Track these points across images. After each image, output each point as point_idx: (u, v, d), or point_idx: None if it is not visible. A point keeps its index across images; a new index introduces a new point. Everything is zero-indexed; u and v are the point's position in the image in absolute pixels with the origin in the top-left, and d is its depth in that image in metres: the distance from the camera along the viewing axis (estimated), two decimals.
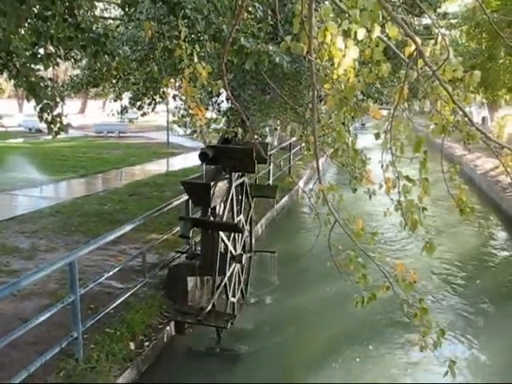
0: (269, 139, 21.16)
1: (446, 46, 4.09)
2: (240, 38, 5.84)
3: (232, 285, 9.13)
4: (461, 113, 3.48)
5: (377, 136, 3.97)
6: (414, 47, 4.10)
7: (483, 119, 38.39)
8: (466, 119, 3.38)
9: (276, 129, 19.34)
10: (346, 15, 3.70)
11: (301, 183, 19.84)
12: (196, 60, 5.82)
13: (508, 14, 13.08)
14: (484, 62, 24.43)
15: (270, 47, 6.40)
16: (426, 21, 20.71)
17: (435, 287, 11.51)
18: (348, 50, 3.78)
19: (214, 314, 8.29)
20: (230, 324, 8.26)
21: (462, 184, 4.90)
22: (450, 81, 3.79)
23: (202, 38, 6.27)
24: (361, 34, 3.66)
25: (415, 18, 19.06)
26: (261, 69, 6.64)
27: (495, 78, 24.21)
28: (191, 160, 24.57)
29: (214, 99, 13.62)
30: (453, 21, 25.44)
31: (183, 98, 7.39)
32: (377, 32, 3.74)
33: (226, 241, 8.74)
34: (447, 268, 12.64)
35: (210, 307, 8.25)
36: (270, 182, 17.43)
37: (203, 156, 8.62)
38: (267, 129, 17.37)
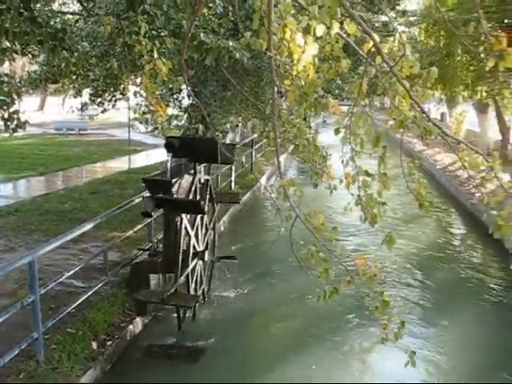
0: (230, 136, 21.14)
1: (403, 43, 4.16)
2: (200, 33, 5.82)
3: (194, 281, 9.10)
4: (418, 108, 3.54)
5: (336, 131, 4.01)
6: (372, 44, 4.16)
7: (442, 115, 39.05)
8: (424, 115, 3.43)
9: (237, 125, 19.34)
10: (306, 12, 3.72)
11: (263, 179, 19.90)
12: (156, 56, 5.77)
13: (464, 12, 13.29)
14: (442, 59, 24.78)
15: (230, 43, 6.39)
16: (385, 18, 20.98)
17: (397, 279, 11.70)
18: (307, 47, 3.80)
19: (178, 296, 8.29)
20: (194, 304, 8.31)
21: (420, 178, 4.99)
22: (407, 77, 3.85)
23: (161, 33, 6.22)
24: (320, 30, 3.69)
25: (375, 15, 19.25)
26: (221, 65, 6.65)
27: (453, 75, 24.59)
28: (153, 157, 24.39)
29: (175, 96, 13.53)
30: (412, 18, 25.78)
31: (144, 94, 7.33)
32: (336, 29, 3.78)
33: (190, 231, 8.74)
34: (408, 260, 12.87)
35: (173, 290, 8.21)
36: (233, 178, 17.41)
37: (169, 145, 8.60)
38: (228, 125, 17.35)
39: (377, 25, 16.89)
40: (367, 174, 3.72)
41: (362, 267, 4.50)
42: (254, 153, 21.28)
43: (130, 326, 8.40)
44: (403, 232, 15.03)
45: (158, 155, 22.79)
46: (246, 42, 3.92)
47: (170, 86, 9.87)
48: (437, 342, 9.11)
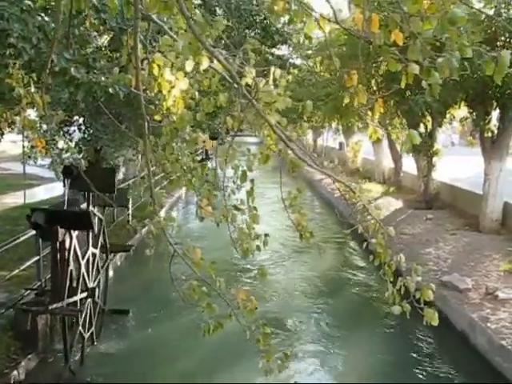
0: (123, 170, 20.81)
1: (278, 79, 4.25)
2: (71, 68, 5.70)
3: (83, 318, 8.80)
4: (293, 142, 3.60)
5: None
6: (248, 78, 4.22)
7: (340, 144, 40.38)
8: (289, 149, 3.49)
9: (131, 159, 19.11)
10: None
11: (163, 212, 19.69)
12: (33, 89, 5.59)
13: (353, 47, 13.90)
14: (337, 90, 25.66)
15: (103, 78, 6.31)
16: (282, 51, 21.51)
17: (294, 306, 11.90)
18: (178, 82, 3.80)
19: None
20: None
21: (301, 209, 5.07)
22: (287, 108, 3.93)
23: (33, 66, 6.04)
24: (189, 65, 3.71)
25: (271, 49, 19.67)
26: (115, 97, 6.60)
27: (348, 106, 25.49)
28: (51, 191, 23.54)
29: (65, 129, 13.21)
30: (308, 51, 26.60)
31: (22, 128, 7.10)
32: (205, 64, 3.81)
33: (80, 259, 8.50)
34: (308, 287, 13.14)
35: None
36: (130, 211, 17.11)
37: (67, 171, 8.36)
38: (121, 159, 17.10)
39: (271, 58, 17.27)
40: (236, 208, 3.74)
41: (243, 300, 4.51)
42: (152, 185, 20.96)
43: (15, 372, 7.95)
44: (302, 260, 15.40)
45: (56, 189, 22.07)
46: (116, 78, 3.87)
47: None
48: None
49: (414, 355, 9.90)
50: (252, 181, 3.65)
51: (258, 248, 4.43)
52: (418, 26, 2.73)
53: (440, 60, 2.72)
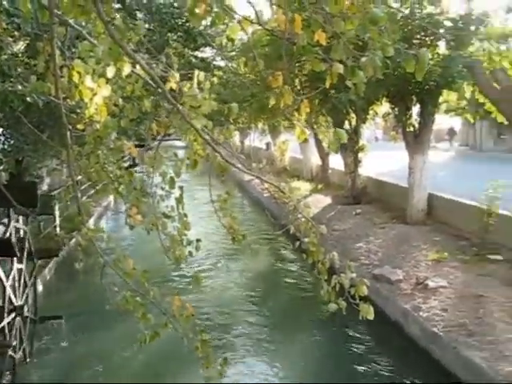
0: (47, 180, 20.21)
1: (202, 81, 4.20)
2: None
3: (12, 338, 8.45)
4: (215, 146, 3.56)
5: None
6: (172, 82, 4.16)
7: (267, 145, 40.63)
8: (217, 153, 3.46)
9: (56, 169, 18.59)
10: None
11: (91, 221, 19.23)
12: None
13: (277, 48, 14.00)
14: (262, 91, 25.78)
15: (20, 87, 6.08)
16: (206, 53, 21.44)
17: (232, 310, 11.87)
18: (99, 89, 3.70)
19: None
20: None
21: (232, 212, 5.05)
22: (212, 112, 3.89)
23: None
24: (110, 72, 3.61)
25: (195, 51, 19.57)
26: (15, 108, 6.35)
27: (274, 106, 25.64)
28: None
29: None
30: (232, 53, 26.64)
31: None
32: (127, 70, 3.72)
33: (5, 282, 8.15)
34: (244, 290, 13.16)
35: None
36: (57, 222, 16.62)
37: None
38: (44, 169, 16.58)
39: (194, 61, 17.18)
40: (166, 215, 3.67)
41: (178, 308, 4.44)
42: (79, 194, 20.44)
43: None
44: (237, 262, 15.44)
45: None
46: (34, 86, 3.72)
47: None
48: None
49: (352, 349, 10.07)
50: (181, 187, 3.59)
51: (191, 254, 4.38)
52: (340, 26, 2.75)
53: (364, 59, 2.75)
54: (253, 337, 10.87)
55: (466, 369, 8.14)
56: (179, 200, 3.63)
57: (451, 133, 53.58)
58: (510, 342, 8.20)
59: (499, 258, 12.33)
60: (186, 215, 3.69)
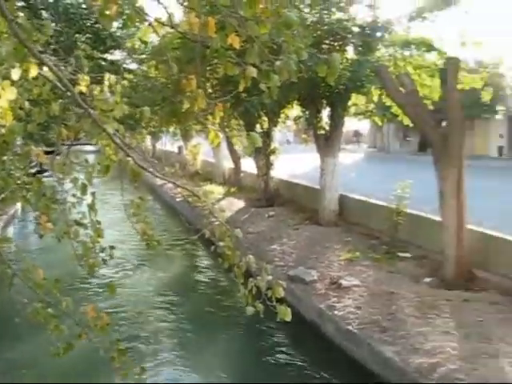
0: None
1: (113, 86, 4.10)
2: None
3: None
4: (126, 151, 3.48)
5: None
6: (83, 86, 4.04)
7: (179, 148, 40.33)
8: (129, 158, 3.37)
9: None
10: None
11: None
12: None
13: (188, 51, 13.90)
14: (174, 94, 25.54)
15: None
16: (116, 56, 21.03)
17: (149, 317, 11.70)
18: (4, 92, 3.53)
19: None
20: None
21: (146, 218, 4.96)
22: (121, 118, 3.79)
23: None
24: (15, 73, 3.46)
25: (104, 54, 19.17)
26: None
27: (187, 110, 25.45)
28: None
29: None
30: (142, 56, 26.25)
31: None
32: (34, 71, 3.58)
33: None
34: (160, 296, 12.99)
35: None
36: None
37: None
38: None
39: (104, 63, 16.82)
40: (77, 223, 3.55)
41: (93, 318, 4.30)
42: None
43: None
44: (153, 268, 15.23)
45: None
46: None
47: None
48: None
49: (268, 349, 10.13)
50: (93, 193, 3.48)
51: (105, 261, 4.26)
52: (254, 30, 2.75)
53: (278, 63, 2.76)
54: (170, 342, 10.76)
55: (380, 363, 8.40)
56: (91, 206, 3.52)
57: (357, 135, 56.05)
58: (419, 335, 8.51)
59: (408, 255, 12.83)
60: (98, 222, 3.58)
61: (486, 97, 14.95)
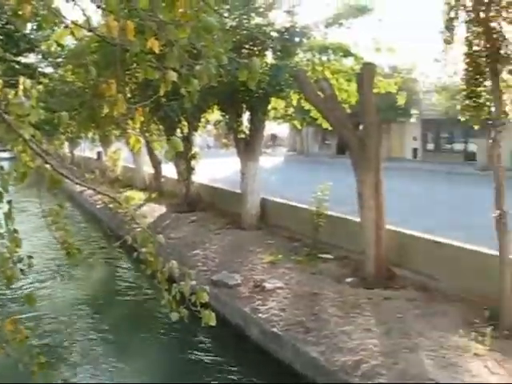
0: None
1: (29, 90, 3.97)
2: None
3: None
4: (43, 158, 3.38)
5: None
6: None
7: (98, 154, 39.48)
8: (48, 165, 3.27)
9: None
10: None
11: None
12: None
13: (106, 55, 13.64)
14: (92, 99, 24.99)
15: None
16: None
17: (74, 325, 11.45)
18: None
19: None
20: None
21: (66, 225, 4.84)
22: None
23: None
24: None
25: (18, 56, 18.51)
26: None
27: (106, 115, 24.94)
28: None
29: None
30: (58, 59, 25.52)
31: None
32: None
33: None
34: (83, 306, 12.72)
35: None
36: None
37: None
38: None
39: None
40: None
41: (10, 332, 4.14)
42: None
43: None
44: (75, 276, 14.89)
45: None
46: None
47: None
48: None
49: (194, 354, 10.09)
50: (10, 202, 3.35)
51: (23, 272, 4.12)
52: (173, 34, 2.74)
53: (198, 67, 2.76)
54: (95, 350, 10.53)
55: (305, 363, 8.54)
56: (8, 215, 3.38)
57: (274, 138, 57.26)
58: (343, 334, 8.71)
59: (330, 256, 13.09)
60: (16, 231, 3.45)
61: (401, 101, 15.51)
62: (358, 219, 11.78)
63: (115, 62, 3.48)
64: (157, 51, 2.91)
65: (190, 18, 2.79)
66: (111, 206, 22.27)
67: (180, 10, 2.70)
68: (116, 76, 3.36)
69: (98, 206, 24.50)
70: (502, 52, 8.33)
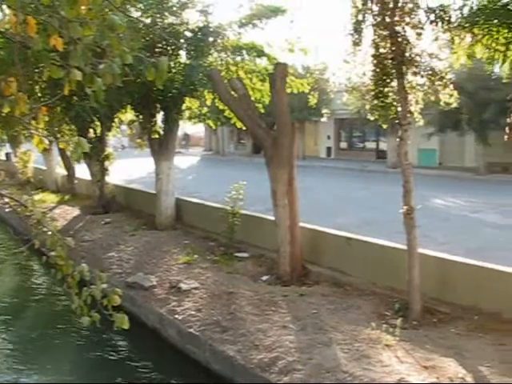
0: None
1: None
2: None
3: None
4: None
5: None
6: None
7: (7, 155, 37.95)
8: None
9: None
10: None
11: None
12: None
13: (11, 52, 13.15)
14: None
15: None
16: None
17: None
18: None
19: None
20: None
21: None
22: None
23: None
24: None
25: None
26: None
27: (8, 115, 24.04)
28: None
29: None
30: None
31: None
32: None
33: None
34: None
35: None
36: None
37: None
38: None
39: None
40: None
41: None
42: None
43: None
44: None
45: None
46: None
47: None
48: None
49: (111, 357, 9.92)
50: None
51: None
52: (77, 32, 2.67)
53: (102, 66, 2.71)
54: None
55: (222, 363, 8.56)
56: None
57: (187, 138, 57.62)
58: (259, 332, 8.78)
59: (246, 255, 13.19)
60: None
61: (313, 101, 15.80)
62: (272, 217, 11.91)
63: (17, 60, 3.36)
64: (60, 49, 2.83)
65: (95, 15, 2.73)
66: (20, 209, 21.50)
67: (83, 7, 2.63)
68: (18, 74, 3.24)
69: (6, 210, 23.52)
70: (406, 55, 8.68)
